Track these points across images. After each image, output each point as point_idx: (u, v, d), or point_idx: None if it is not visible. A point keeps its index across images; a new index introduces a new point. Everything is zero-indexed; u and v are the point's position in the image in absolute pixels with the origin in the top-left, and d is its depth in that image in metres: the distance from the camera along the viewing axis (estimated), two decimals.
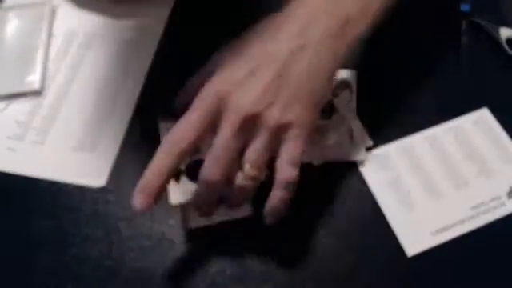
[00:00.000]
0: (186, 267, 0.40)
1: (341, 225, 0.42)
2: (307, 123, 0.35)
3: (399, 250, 0.40)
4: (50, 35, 0.53)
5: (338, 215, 0.42)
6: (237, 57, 0.36)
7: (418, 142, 0.46)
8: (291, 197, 0.35)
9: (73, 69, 0.51)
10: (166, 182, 0.34)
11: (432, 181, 0.43)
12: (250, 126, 0.33)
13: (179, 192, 0.37)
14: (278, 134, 0.34)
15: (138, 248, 0.41)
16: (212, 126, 0.34)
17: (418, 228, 0.41)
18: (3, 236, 0.42)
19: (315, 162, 0.44)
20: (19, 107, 0.49)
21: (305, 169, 0.45)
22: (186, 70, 0.51)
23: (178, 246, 0.41)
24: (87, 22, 0.54)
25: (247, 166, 0.34)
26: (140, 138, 0.47)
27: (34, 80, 0.50)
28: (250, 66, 0.35)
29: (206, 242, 0.41)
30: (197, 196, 0.35)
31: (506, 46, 0.50)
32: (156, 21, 0.54)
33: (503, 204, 0.42)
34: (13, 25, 0.54)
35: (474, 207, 0.42)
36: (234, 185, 0.34)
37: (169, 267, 0.40)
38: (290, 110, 0.34)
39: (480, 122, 0.47)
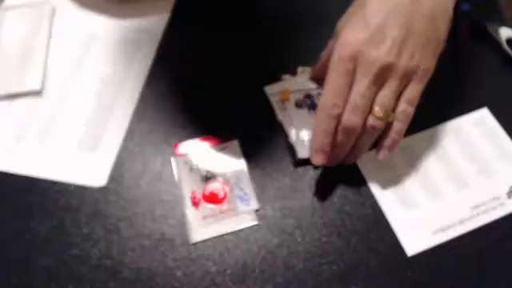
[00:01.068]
0: (186, 267, 0.41)
1: (341, 224, 0.42)
2: (430, 66, 0.39)
3: (399, 249, 0.41)
4: (50, 35, 0.53)
5: (338, 215, 0.42)
6: (358, 18, 0.39)
7: (418, 142, 0.46)
8: (404, 133, 0.40)
9: (73, 69, 0.51)
10: (331, 139, 0.40)
11: (432, 181, 0.44)
12: (383, 75, 0.38)
13: (200, 231, 0.42)
14: (405, 79, 0.38)
15: (138, 248, 0.41)
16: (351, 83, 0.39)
17: (418, 228, 0.41)
18: (4, 235, 0.42)
19: None
20: (20, 107, 0.49)
21: (305, 168, 0.45)
22: (187, 70, 0.51)
23: (179, 245, 0.41)
24: (87, 21, 0.54)
25: (377, 109, 0.38)
26: (140, 138, 0.47)
27: (34, 80, 0.50)
28: (374, 22, 0.38)
29: (206, 242, 0.42)
30: (336, 143, 0.40)
31: (506, 46, 0.50)
32: (157, 21, 0.54)
33: (503, 204, 0.42)
34: (13, 25, 0.54)
35: (474, 207, 0.42)
36: (365, 127, 0.39)
37: (169, 267, 0.41)
38: (416, 56, 0.38)
39: (480, 122, 0.47)
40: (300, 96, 0.48)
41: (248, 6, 0.55)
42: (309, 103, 0.47)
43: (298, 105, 0.47)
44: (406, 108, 0.39)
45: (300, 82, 0.49)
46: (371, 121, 0.39)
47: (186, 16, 0.54)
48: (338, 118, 0.39)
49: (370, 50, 0.38)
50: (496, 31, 0.50)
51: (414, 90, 0.39)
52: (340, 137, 0.40)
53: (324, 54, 0.43)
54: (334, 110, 0.39)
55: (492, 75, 0.49)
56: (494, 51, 0.50)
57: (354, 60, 0.38)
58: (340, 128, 0.39)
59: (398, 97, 0.39)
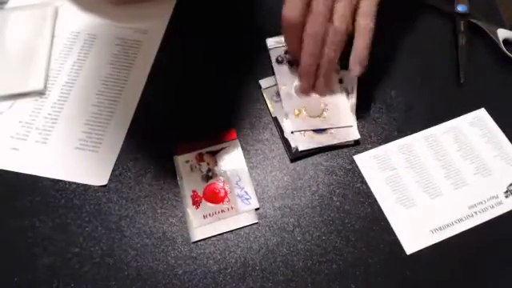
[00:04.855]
0: (187, 265, 0.41)
1: (340, 223, 0.42)
2: None
3: (398, 248, 0.41)
4: (52, 36, 0.54)
5: (337, 214, 0.43)
6: None
7: (417, 141, 0.46)
8: (370, 45, 0.43)
9: (75, 69, 0.52)
10: (299, 42, 0.44)
11: (431, 180, 0.44)
12: None
13: (200, 230, 0.42)
14: None
15: (139, 246, 0.42)
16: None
17: (417, 226, 0.42)
18: (7, 234, 0.43)
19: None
20: (23, 107, 0.49)
21: (304, 167, 0.45)
22: (188, 71, 0.51)
23: (179, 244, 0.42)
24: (90, 22, 0.55)
25: (335, 16, 0.42)
26: (142, 137, 0.47)
27: (37, 80, 0.50)
28: None
29: (206, 241, 0.42)
30: (303, 56, 0.44)
31: (503, 47, 0.50)
32: (158, 22, 0.54)
33: (500, 203, 0.42)
34: (16, 25, 0.54)
35: (472, 206, 0.43)
36: (327, 42, 0.43)
37: (170, 266, 0.41)
38: None
39: (478, 122, 0.47)
40: (280, 52, 0.49)
41: (248, 7, 0.56)
42: (289, 58, 0.49)
43: (279, 61, 0.49)
44: (365, 21, 0.43)
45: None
46: (331, 35, 0.42)
47: (187, 18, 0.55)
48: (301, 26, 0.42)
49: None
50: (493, 32, 0.51)
51: (368, 6, 0.43)
52: (307, 45, 0.43)
53: None
54: (295, 19, 0.42)
55: (489, 76, 0.50)
56: (491, 52, 0.51)
57: None
58: (305, 35, 0.43)
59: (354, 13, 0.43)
